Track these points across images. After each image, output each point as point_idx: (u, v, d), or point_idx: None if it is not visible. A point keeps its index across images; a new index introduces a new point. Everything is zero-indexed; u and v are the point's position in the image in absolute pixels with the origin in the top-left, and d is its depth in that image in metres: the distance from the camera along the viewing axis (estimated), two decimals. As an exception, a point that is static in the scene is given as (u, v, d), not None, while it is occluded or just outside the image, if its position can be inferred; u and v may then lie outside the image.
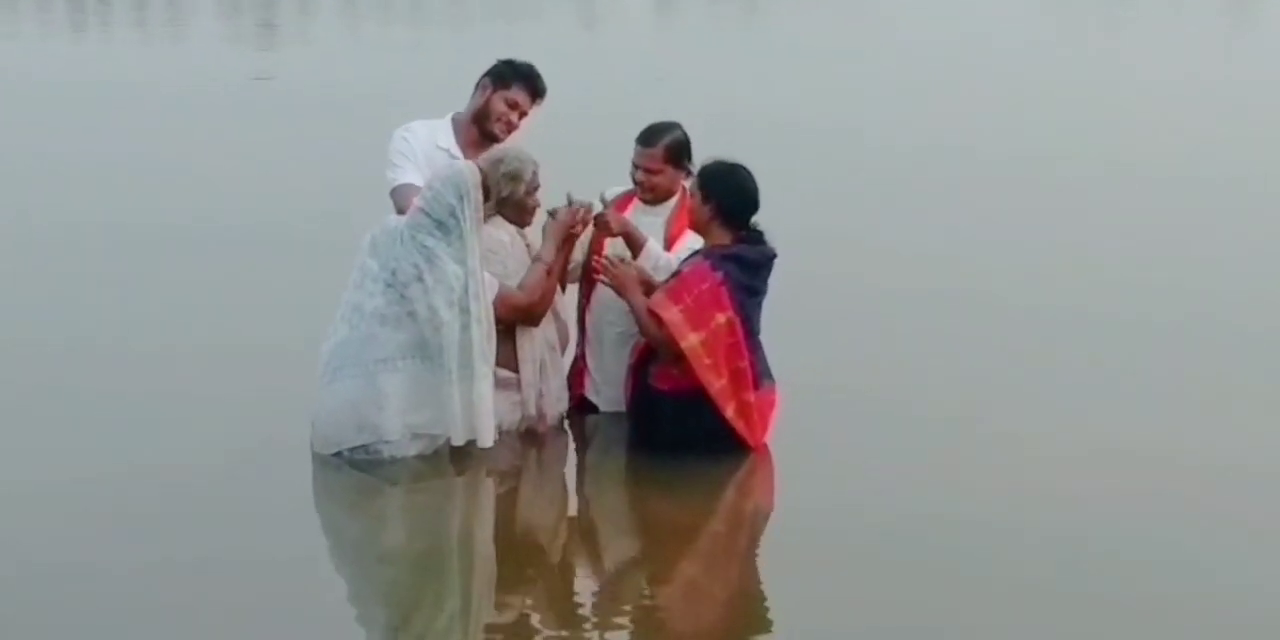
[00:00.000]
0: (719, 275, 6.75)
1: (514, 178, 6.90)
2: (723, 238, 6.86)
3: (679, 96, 16.17)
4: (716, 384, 6.76)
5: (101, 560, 5.92)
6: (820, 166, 13.92)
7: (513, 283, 6.88)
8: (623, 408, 7.14)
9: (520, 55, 7.40)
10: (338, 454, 6.77)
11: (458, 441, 6.75)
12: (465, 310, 6.64)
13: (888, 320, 9.17)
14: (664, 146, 7.08)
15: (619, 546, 6.45)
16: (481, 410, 6.70)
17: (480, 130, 7.18)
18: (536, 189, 6.96)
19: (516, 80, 7.17)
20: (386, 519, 6.64)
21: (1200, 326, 9.05)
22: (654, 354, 6.86)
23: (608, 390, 7.23)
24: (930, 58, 22.81)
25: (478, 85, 7.22)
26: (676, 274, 6.84)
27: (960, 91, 19.32)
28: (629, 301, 6.89)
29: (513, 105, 7.16)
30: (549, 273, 6.90)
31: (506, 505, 6.81)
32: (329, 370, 6.75)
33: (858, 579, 5.88)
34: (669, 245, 7.10)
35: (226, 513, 6.36)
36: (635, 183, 7.15)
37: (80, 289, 9.75)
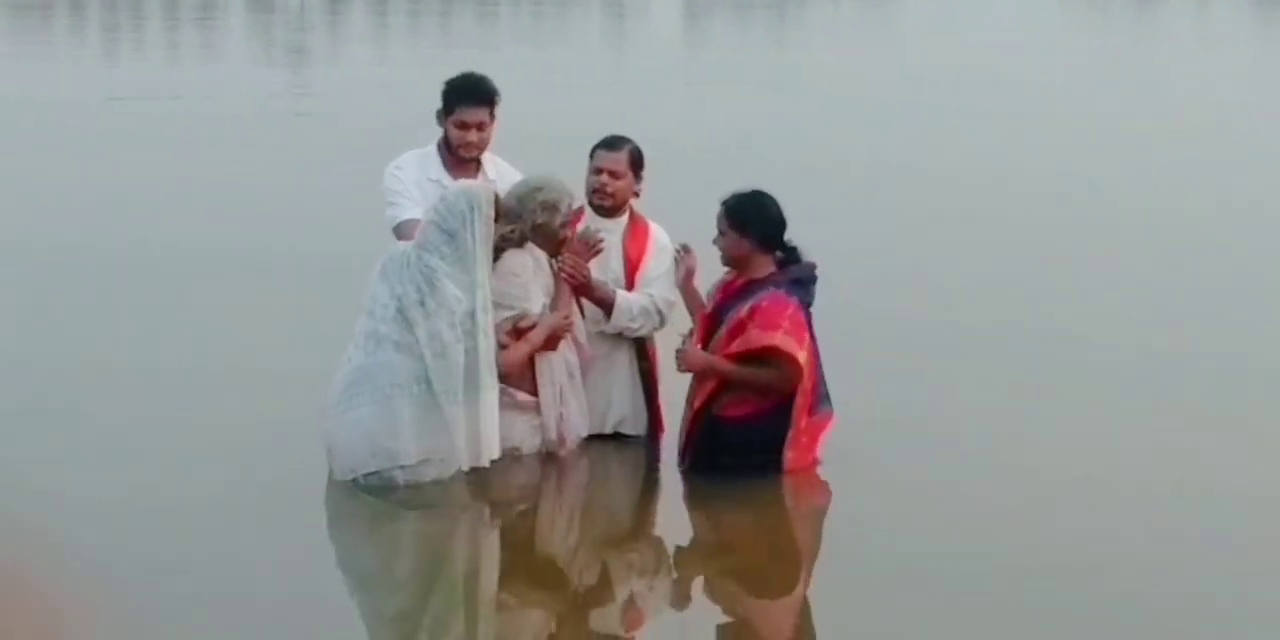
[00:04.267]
0: (795, 300, 6.86)
1: (551, 208, 6.93)
2: (766, 265, 6.95)
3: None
4: (800, 402, 6.88)
5: (118, 582, 5.97)
6: (867, 200, 13.89)
7: (530, 305, 6.91)
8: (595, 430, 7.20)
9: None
10: (354, 480, 6.78)
11: (464, 466, 6.75)
12: (470, 332, 6.64)
13: (941, 353, 9.11)
14: (628, 151, 7.18)
15: (638, 571, 6.43)
16: (486, 422, 6.70)
17: (455, 156, 7.25)
18: (570, 222, 6.98)
19: (458, 101, 7.21)
20: (400, 546, 6.63)
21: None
22: (725, 389, 6.89)
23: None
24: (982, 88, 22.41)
25: (436, 114, 7.29)
26: (754, 308, 6.83)
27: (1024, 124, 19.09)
28: (720, 372, 6.89)
29: (463, 126, 7.21)
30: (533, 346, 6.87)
31: (523, 531, 6.80)
32: (345, 397, 6.74)
33: (901, 611, 5.87)
34: (633, 268, 7.16)
35: (239, 538, 6.38)
36: (592, 191, 7.18)
37: (114, 312, 9.80)
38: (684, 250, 7.28)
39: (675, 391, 7.33)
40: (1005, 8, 45.31)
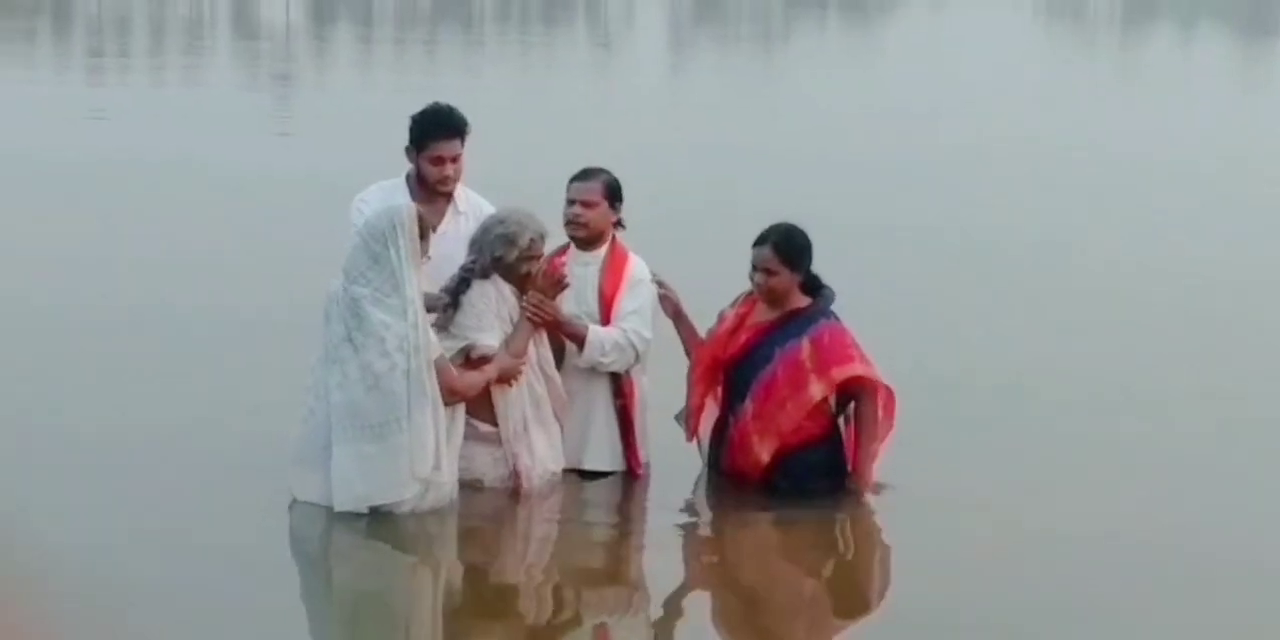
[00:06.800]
0: (845, 327, 7.03)
1: (508, 241, 6.92)
2: (800, 297, 7.08)
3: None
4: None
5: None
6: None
7: (484, 337, 6.89)
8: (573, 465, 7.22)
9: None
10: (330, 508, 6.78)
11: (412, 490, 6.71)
12: (407, 352, 6.58)
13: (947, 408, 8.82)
14: (602, 181, 7.16)
15: (606, 609, 6.38)
16: (416, 442, 6.62)
17: (427, 190, 7.17)
18: (533, 258, 6.96)
19: (429, 136, 7.13)
20: (355, 577, 6.63)
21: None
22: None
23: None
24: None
25: (406, 150, 7.21)
26: (815, 344, 6.94)
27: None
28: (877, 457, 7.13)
29: (438, 161, 7.13)
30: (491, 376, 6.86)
31: (483, 564, 6.75)
32: (342, 431, 6.66)
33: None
34: (607, 301, 7.12)
35: (201, 568, 6.41)
36: (566, 222, 7.18)
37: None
38: (660, 285, 7.23)
39: (655, 430, 7.31)
40: (990, 31, 45.34)
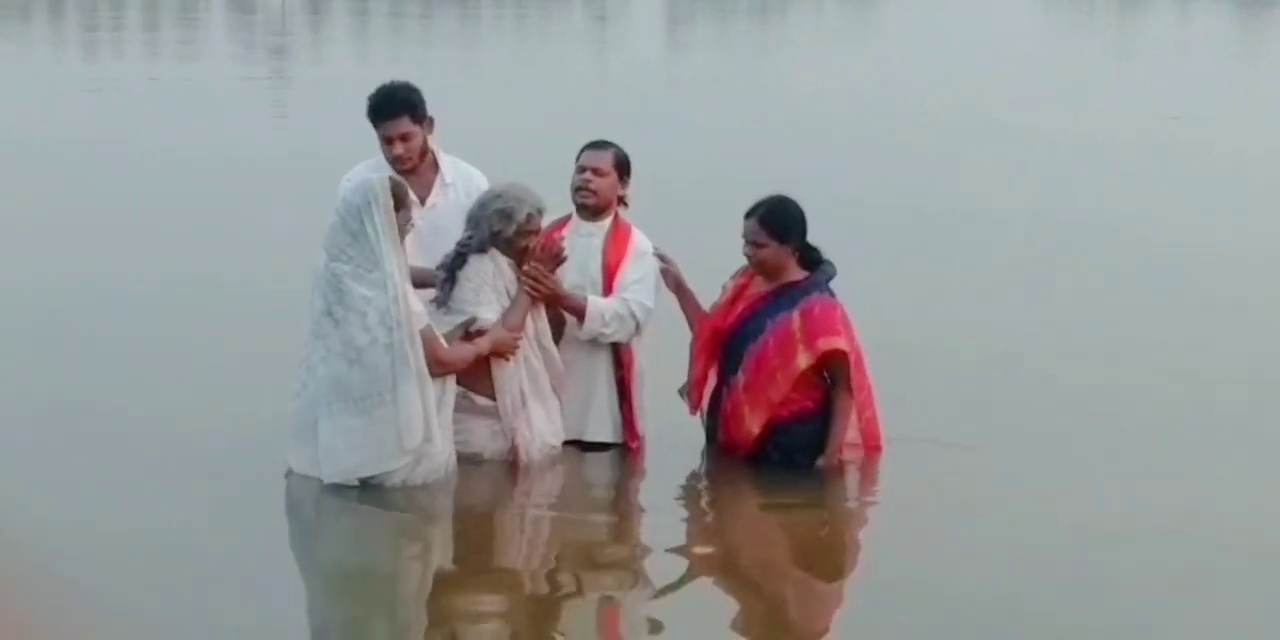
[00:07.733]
0: (837, 302, 7.00)
1: (505, 216, 6.89)
2: (796, 269, 7.03)
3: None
4: (865, 390, 7.09)
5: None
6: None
7: (483, 311, 6.87)
8: (575, 436, 7.18)
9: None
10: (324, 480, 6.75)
11: (395, 462, 6.67)
12: (389, 326, 6.53)
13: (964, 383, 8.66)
14: (613, 153, 7.19)
15: (609, 580, 6.32)
16: (403, 413, 6.57)
17: (395, 169, 7.12)
18: (531, 232, 6.92)
19: (373, 117, 7.13)
20: (350, 551, 6.57)
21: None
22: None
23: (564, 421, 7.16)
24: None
25: None
26: (805, 315, 6.91)
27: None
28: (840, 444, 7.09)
29: (389, 141, 7.10)
30: (480, 352, 6.81)
31: (484, 537, 6.71)
32: (327, 404, 6.63)
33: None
34: (611, 272, 7.10)
35: (202, 551, 6.34)
36: (576, 189, 7.16)
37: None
38: (661, 259, 7.20)
39: (652, 400, 7.28)
40: (987, 7, 45.27)
